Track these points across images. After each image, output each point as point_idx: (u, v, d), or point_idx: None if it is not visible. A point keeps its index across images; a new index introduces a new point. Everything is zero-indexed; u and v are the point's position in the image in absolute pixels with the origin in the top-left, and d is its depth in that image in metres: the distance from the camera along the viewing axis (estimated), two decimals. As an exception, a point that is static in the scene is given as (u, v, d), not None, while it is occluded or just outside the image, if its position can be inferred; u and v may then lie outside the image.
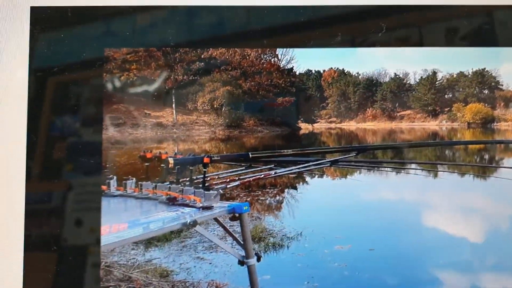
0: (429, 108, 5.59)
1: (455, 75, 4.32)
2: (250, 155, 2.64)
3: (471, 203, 7.43)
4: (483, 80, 4.44)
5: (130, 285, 2.63)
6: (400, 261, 4.79)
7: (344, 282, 4.29)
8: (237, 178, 2.90)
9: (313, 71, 4.44)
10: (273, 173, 3.08)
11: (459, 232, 5.64)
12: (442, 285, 3.92)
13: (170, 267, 4.51)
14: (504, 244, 4.71)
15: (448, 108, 5.13)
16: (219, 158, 3.40)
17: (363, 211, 7.01)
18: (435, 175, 10.80)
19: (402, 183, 10.65)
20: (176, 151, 2.45)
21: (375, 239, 5.44)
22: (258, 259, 2.44)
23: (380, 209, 7.06)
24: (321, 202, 7.99)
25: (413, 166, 9.03)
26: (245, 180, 2.86)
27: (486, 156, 5.54)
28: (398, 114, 6.00)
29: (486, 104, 4.64)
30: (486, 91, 4.41)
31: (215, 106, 3.90)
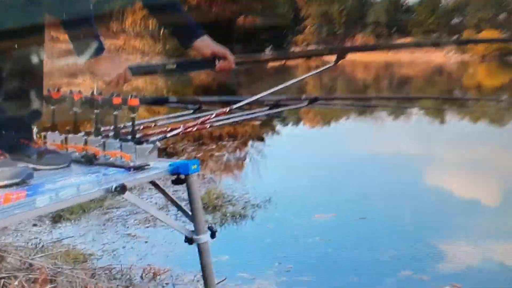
0: (433, 35, 5.57)
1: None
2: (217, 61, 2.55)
3: (486, 157, 7.49)
4: (500, 1, 4.34)
5: (30, 275, 2.51)
6: (399, 234, 4.76)
7: (327, 263, 4.23)
8: (181, 126, 2.77)
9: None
10: (227, 109, 2.96)
11: (472, 194, 5.72)
12: (450, 262, 3.97)
13: (89, 249, 4.32)
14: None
15: (457, 36, 5.07)
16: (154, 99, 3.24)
17: (351, 169, 7.09)
18: (442, 120, 10.85)
19: (401, 131, 10.69)
20: (94, 89, 2.31)
21: (367, 205, 5.45)
22: (212, 235, 2.28)
23: (374, 166, 7.14)
24: (296, 158, 8.02)
25: (416, 109, 9.07)
26: (191, 128, 2.74)
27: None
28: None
29: (504, 31, 4.58)
30: (503, 15, 4.32)
31: (151, 27, 3.68)
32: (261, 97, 3.27)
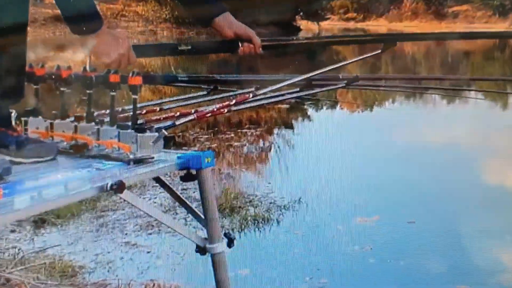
0: (495, 2, 5.58)
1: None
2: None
3: None
4: None
5: None
6: (455, 241, 4.74)
7: (368, 277, 4.23)
8: (193, 110, 2.72)
9: None
10: (251, 95, 2.93)
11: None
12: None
13: (79, 261, 4.42)
14: None
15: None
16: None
17: (398, 163, 7.03)
18: (505, 105, 10.77)
19: (457, 117, 10.61)
20: (86, 65, 2.27)
21: (416, 206, 5.43)
22: (230, 244, 2.23)
23: (424, 160, 7.08)
24: (331, 149, 7.96)
25: (474, 92, 9.05)
26: (206, 113, 2.69)
27: None
28: (450, 11, 5.97)
29: None
30: None
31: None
32: (292, 79, 3.22)
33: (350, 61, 3.90)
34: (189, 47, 2.62)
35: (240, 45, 2.59)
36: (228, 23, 2.52)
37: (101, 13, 2.18)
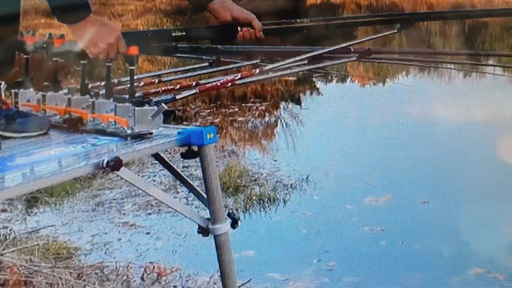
0: None
1: None
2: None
3: None
4: None
5: None
6: (470, 222, 4.72)
7: (379, 259, 4.22)
8: (193, 82, 2.73)
9: None
10: (257, 71, 2.92)
11: None
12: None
13: (74, 242, 4.42)
14: None
15: None
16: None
17: (411, 139, 7.01)
18: (525, 79, 10.57)
19: (474, 92, 10.56)
20: None
21: (430, 185, 5.42)
22: (234, 224, 2.22)
23: (439, 136, 7.05)
24: (341, 125, 7.94)
25: (491, 61, 9.03)
26: (209, 88, 2.70)
27: None
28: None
29: None
30: None
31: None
32: (299, 49, 3.22)
33: (364, 39, 3.90)
34: (184, 33, 2.61)
35: (239, 29, 2.56)
36: (225, 7, 2.51)
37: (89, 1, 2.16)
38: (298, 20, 3.24)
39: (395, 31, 3.46)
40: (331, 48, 3.51)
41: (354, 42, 3.71)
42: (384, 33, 3.68)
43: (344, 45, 3.39)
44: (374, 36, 3.97)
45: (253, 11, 2.55)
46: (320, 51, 3.47)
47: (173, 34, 2.64)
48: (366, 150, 6.36)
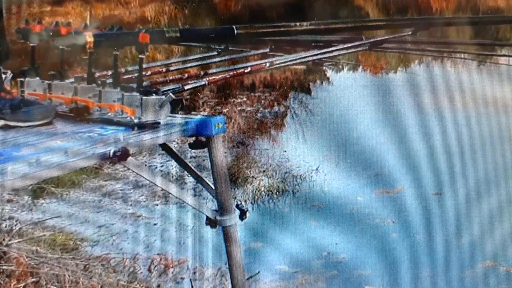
0: None
1: None
2: (236, 31, 2.52)
3: None
4: None
5: (5, 266, 2.53)
6: (483, 215, 4.71)
7: (390, 252, 4.23)
8: (202, 72, 2.74)
9: None
10: (267, 65, 2.93)
11: None
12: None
13: (81, 233, 4.46)
14: None
15: None
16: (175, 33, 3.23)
17: (423, 130, 7.00)
18: (541, 69, 10.49)
19: (487, 82, 10.52)
20: (87, 22, 2.26)
21: (441, 177, 5.41)
22: (242, 216, 2.24)
23: (452, 127, 7.04)
24: (352, 115, 7.92)
25: (505, 51, 9.01)
26: (218, 79, 2.72)
27: None
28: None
29: None
30: None
31: None
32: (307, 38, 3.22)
33: (380, 38, 3.90)
34: (178, 35, 2.61)
35: (235, 31, 2.57)
36: None
37: None
38: (309, 23, 3.26)
39: (410, 32, 3.49)
40: (343, 37, 3.52)
41: (372, 40, 3.73)
42: (400, 34, 3.71)
43: (359, 43, 3.42)
44: (387, 37, 3.99)
45: (260, 3, 2.56)
46: (331, 40, 3.49)
47: (167, 36, 2.64)
48: (377, 141, 6.35)
